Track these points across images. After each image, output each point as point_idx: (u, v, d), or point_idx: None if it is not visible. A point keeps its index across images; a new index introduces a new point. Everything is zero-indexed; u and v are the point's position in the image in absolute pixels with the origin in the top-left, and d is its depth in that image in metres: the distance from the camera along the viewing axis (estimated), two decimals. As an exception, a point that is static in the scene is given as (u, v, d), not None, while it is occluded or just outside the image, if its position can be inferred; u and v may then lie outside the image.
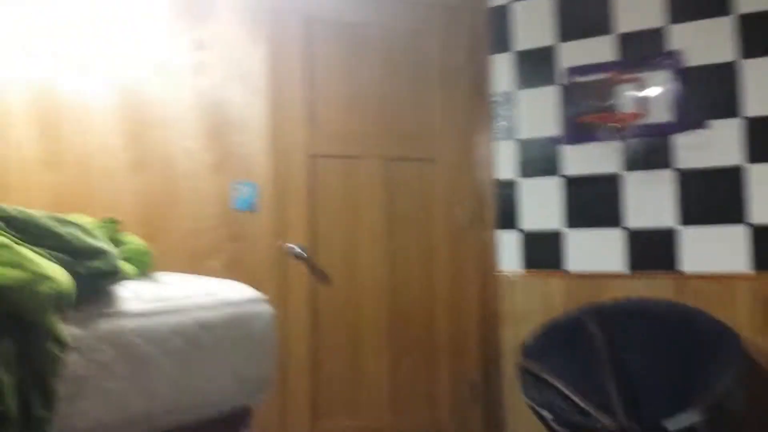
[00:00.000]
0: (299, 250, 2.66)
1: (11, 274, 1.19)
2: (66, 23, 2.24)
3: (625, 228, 2.74)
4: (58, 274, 1.10)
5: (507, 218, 3.03)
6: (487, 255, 3.05)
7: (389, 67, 2.92)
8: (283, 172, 2.67)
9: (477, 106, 3.09)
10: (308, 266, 2.72)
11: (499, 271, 3.03)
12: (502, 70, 3.06)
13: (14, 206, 1.43)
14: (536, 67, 2.98)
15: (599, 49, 2.81)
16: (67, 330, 1.09)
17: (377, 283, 2.84)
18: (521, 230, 3.00)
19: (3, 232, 1.35)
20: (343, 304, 2.78)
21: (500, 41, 3.07)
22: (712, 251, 2.55)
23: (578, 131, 2.84)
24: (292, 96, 2.71)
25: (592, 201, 2.82)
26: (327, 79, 2.79)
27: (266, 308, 1.53)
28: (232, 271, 2.46)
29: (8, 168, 2.10)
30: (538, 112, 2.96)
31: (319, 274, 2.74)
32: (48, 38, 2.20)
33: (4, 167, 2.10)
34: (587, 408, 2.32)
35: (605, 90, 2.78)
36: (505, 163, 3.04)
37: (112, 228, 1.58)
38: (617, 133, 2.74)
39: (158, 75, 2.41)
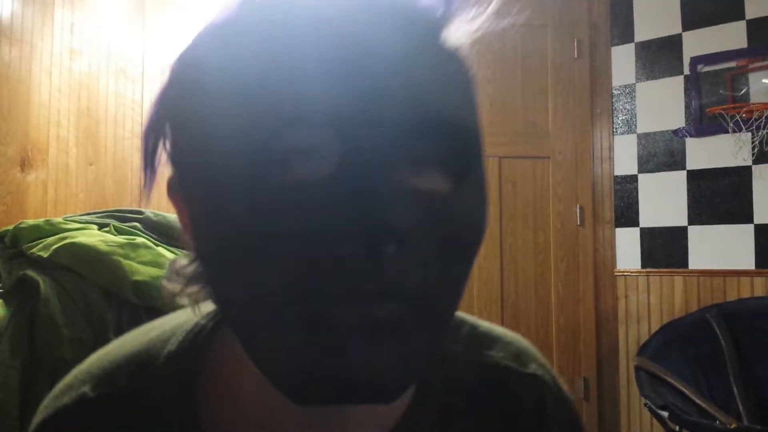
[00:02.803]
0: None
1: (152, 272, 1.39)
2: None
3: (753, 223, 2.59)
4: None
5: (626, 215, 2.96)
6: (604, 252, 2.99)
7: (501, 64, 2.95)
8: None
9: (595, 101, 3.04)
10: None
11: (617, 269, 2.96)
12: (623, 61, 2.99)
13: (151, 210, 1.65)
14: (659, 57, 2.88)
15: (727, 37, 2.68)
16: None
17: (490, 280, 2.88)
18: (640, 227, 2.91)
19: (142, 234, 1.56)
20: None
21: (621, 32, 3.00)
22: None
23: (704, 123, 2.72)
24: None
25: (718, 195, 2.69)
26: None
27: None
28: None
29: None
30: (660, 105, 2.87)
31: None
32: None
33: (137, 173, 2.36)
34: (707, 407, 2.23)
35: (734, 79, 2.65)
36: (624, 158, 2.97)
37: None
38: (747, 124, 2.59)
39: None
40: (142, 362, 0.44)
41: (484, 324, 0.55)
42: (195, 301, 0.44)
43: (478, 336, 0.53)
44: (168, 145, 0.41)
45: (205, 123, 0.36)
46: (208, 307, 0.45)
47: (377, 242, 0.32)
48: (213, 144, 0.35)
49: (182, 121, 0.39)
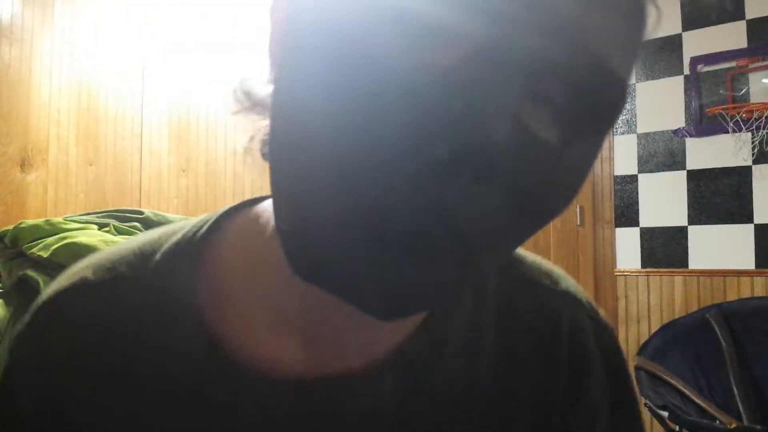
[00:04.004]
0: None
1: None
2: (199, 47, 2.48)
3: (753, 223, 2.59)
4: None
5: (626, 214, 2.96)
6: (604, 252, 2.99)
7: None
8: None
9: (595, 101, 3.03)
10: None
11: (617, 269, 2.96)
12: (622, 62, 2.98)
13: (151, 210, 1.65)
14: (659, 57, 2.88)
15: (727, 37, 2.68)
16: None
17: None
18: (640, 227, 2.91)
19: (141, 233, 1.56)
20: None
21: (620, 33, 2.99)
22: None
23: (704, 123, 2.72)
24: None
25: (718, 195, 2.69)
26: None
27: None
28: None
29: (149, 174, 2.35)
30: (659, 105, 2.87)
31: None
32: (184, 61, 2.43)
33: (146, 174, 2.35)
34: (707, 407, 2.23)
35: (734, 79, 2.65)
36: (624, 158, 2.97)
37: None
38: (747, 124, 2.59)
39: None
40: (144, 253, 0.45)
41: None
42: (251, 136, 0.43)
43: None
44: None
45: None
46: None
47: (464, 171, 0.28)
48: None
49: None
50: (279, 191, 0.35)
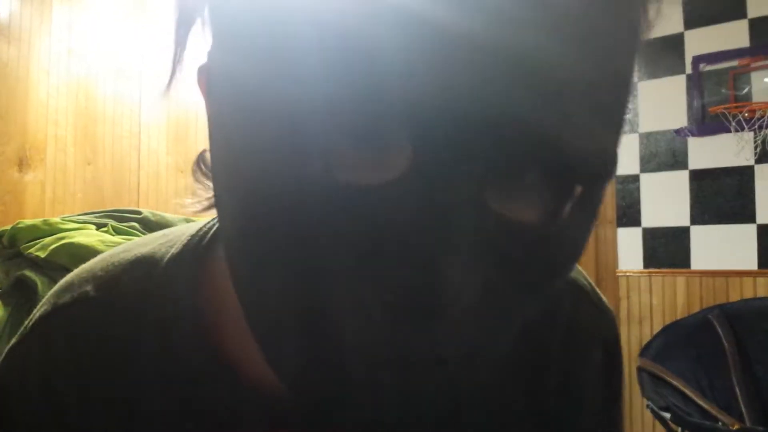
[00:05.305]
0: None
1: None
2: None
3: (756, 223, 2.57)
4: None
5: (628, 214, 2.94)
6: (606, 253, 2.98)
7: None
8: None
9: (596, 100, 3.02)
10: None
11: (619, 270, 2.95)
12: (623, 62, 2.97)
13: (149, 210, 1.64)
14: (661, 56, 2.87)
15: (729, 36, 2.67)
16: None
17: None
18: (642, 227, 2.90)
19: (140, 234, 1.55)
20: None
21: (621, 32, 2.98)
22: None
23: (706, 122, 2.71)
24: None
25: (721, 195, 2.68)
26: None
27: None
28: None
29: (148, 174, 2.34)
30: (661, 104, 2.85)
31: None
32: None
33: (144, 174, 2.34)
34: (709, 409, 2.21)
35: (737, 78, 2.63)
36: (626, 158, 2.95)
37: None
38: (749, 124, 2.58)
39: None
40: (146, 265, 0.43)
41: None
42: (206, 209, 0.42)
43: None
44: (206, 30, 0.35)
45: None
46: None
47: (431, 313, 0.25)
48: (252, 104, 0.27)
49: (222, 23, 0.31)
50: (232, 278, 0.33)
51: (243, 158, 0.28)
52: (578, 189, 0.28)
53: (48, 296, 0.44)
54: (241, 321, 0.35)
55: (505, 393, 0.44)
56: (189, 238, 0.44)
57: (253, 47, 0.27)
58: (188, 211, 0.45)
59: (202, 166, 0.44)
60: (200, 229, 0.44)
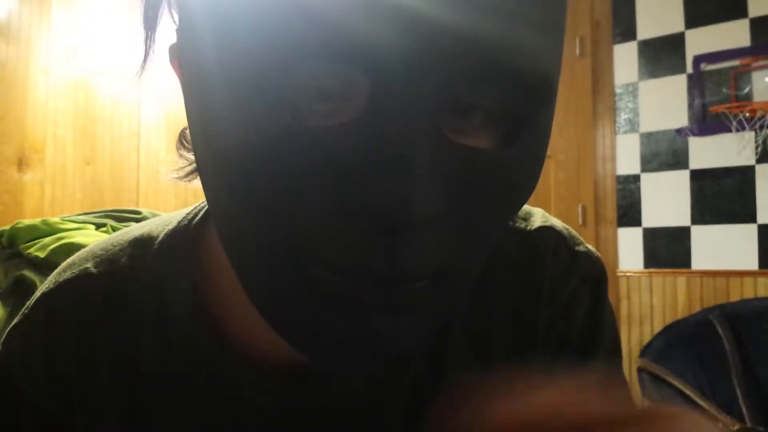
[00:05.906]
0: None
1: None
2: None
3: (757, 223, 2.57)
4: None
5: (628, 214, 2.94)
6: (606, 253, 2.97)
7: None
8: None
9: (597, 99, 3.02)
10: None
11: (619, 270, 2.94)
12: (625, 60, 2.97)
13: (148, 209, 1.64)
14: (661, 55, 2.86)
15: (730, 35, 2.66)
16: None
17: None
18: (643, 227, 2.89)
19: None
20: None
21: (623, 30, 2.98)
22: None
23: (707, 122, 2.70)
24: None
25: (721, 195, 2.67)
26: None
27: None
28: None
29: (147, 174, 2.35)
30: (663, 104, 2.85)
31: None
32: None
33: (143, 174, 2.34)
34: (710, 409, 2.21)
35: (738, 78, 2.63)
36: (627, 158, 2.95)
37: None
38: (750, 123, 2.58)
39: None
40: (142, 243, 0.45)
41: None
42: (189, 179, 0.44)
43: None
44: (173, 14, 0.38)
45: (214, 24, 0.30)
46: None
47: (396, 227, 0.27)
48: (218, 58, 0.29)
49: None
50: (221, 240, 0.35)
51: (217, 119, 0.30)
52: (525, 116, 0.31)
53: (49, 277, 0.46)
54: (238, 290, 0.36)
55: (495, 339, 0.45)
56: (183, 216, 0.46)
57: (217, 12, 0.29)
58: (174, 177, 0.46)
59: (184, 142, 0.47)
60: (193, 208, 0.46)
